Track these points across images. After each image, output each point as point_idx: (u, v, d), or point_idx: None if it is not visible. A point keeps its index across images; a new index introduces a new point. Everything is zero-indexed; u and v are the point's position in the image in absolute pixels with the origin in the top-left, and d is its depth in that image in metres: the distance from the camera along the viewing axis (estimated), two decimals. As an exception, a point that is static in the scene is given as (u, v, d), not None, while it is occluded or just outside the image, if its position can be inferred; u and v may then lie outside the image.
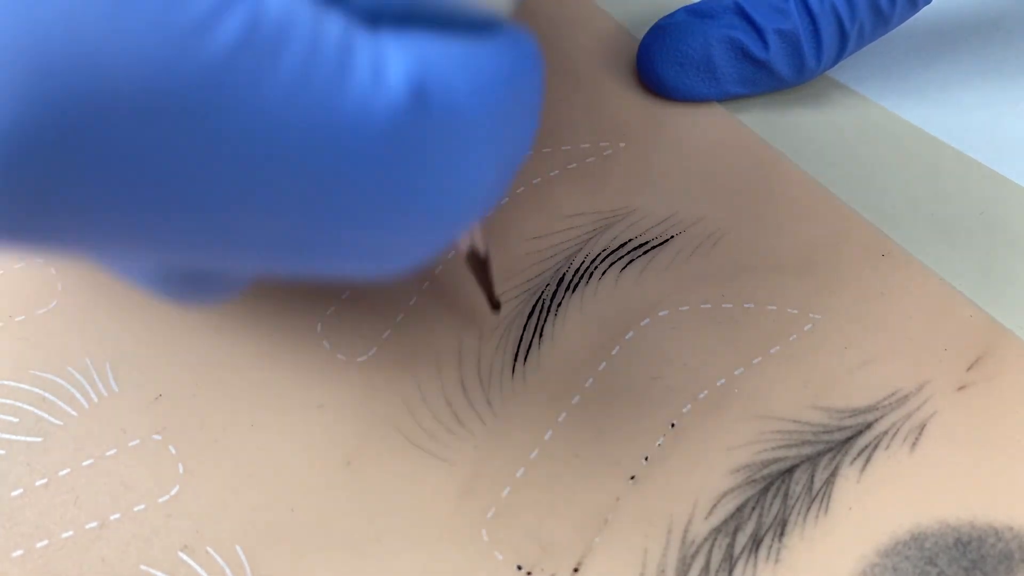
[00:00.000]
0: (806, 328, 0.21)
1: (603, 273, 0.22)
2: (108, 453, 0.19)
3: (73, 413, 0.19)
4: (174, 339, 0.21)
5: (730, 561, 0.17)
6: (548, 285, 0.22)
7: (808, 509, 0.18)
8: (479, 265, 0.19)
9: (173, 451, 0.19)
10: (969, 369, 0.20)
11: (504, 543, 0.18)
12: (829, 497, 0.18)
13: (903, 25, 0.25)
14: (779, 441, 0.19)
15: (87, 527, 0.18)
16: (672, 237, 0.23)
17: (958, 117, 0.26)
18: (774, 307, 0.21)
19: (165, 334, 0.21)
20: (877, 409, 0.19)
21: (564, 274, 0.22)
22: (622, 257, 0.22)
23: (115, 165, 0.08)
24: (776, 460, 0.19)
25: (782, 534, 0.18)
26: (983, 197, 0.24)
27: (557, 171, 0.24)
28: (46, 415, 0.19)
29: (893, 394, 0.20)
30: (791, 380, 0.20)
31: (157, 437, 0.19)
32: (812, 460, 0.19)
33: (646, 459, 0.19)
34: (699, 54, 0.25)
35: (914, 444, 0.19)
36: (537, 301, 0.21)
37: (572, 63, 0.27)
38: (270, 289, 0.22)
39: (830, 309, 0.21)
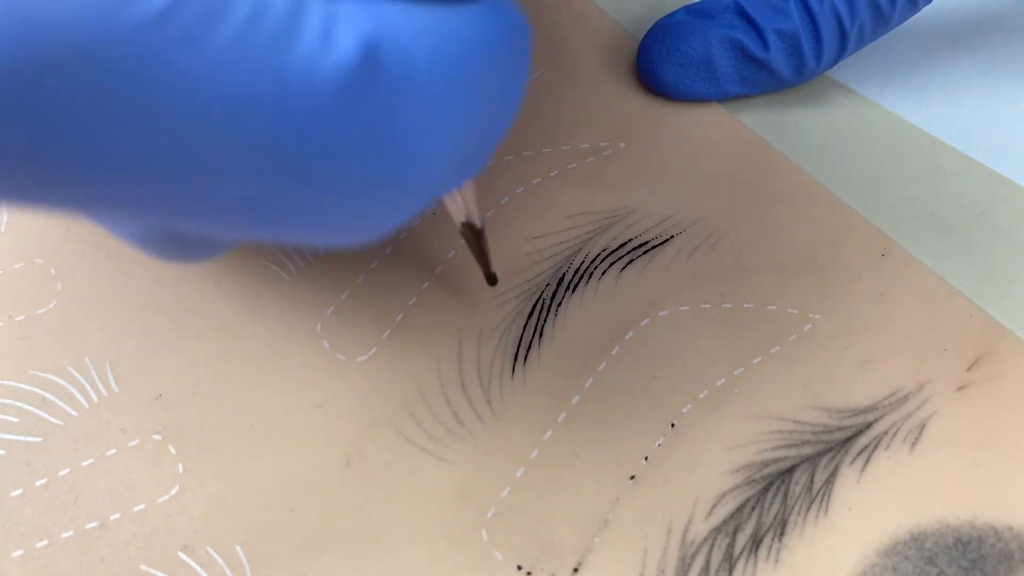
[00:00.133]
0: (806, 328, 0.21)
1: (603, 273, 0.22)
2: (108, 453, 0.19)
3: (73, 413, 0.19)
4: (174, 339, 0.21)
5: (730, 561, 0.17)
6: (548, 285, 0.22)
7: (808, 509, 0.18)
8: (474, 237, 0.19)
9: (173, 451, 0.19)
10: (969, 369, 0.20)
11: (504, 543, 0.18)
12: (829, 497, 0.18)
13: (903, 25, 0.25)
14: (779, 441, 0.19)
15: (87, 527, 0.18)
16: (672, 237, 0.23)
17: (958, 117, 0.26)
18: (774, 307, 0.21)
19: (165, 334, 0.21)
20: (877, 409, 0.19)
21: (564, 274, 0.22)
22: (622, 257, 0.22)
23: (59, 118, 0.08)
24: (776, 460, 0.19)
25: (782, 534, 0.18)
26: (983, 197, 0.24)
27: (557, 171, 0.24)
28: (46, 415, 0.19)
29: (893, 394, 0.20)
30: (791, 380, 0.20)
31: (157, 437, 0.19)
32: (812, 460, 0.19)
33: (646, 459, 0.19)
34: (699, 54, 0.25)
35: (914, 444, 0.19)
36: (537, 301, 0.21)
37: (572, 63, 0.27)
38: (270, 289, 0.22)
39: (830, 309, 0.21)
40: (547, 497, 0.18)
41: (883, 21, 0.24)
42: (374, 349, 0.21)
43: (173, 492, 0.18)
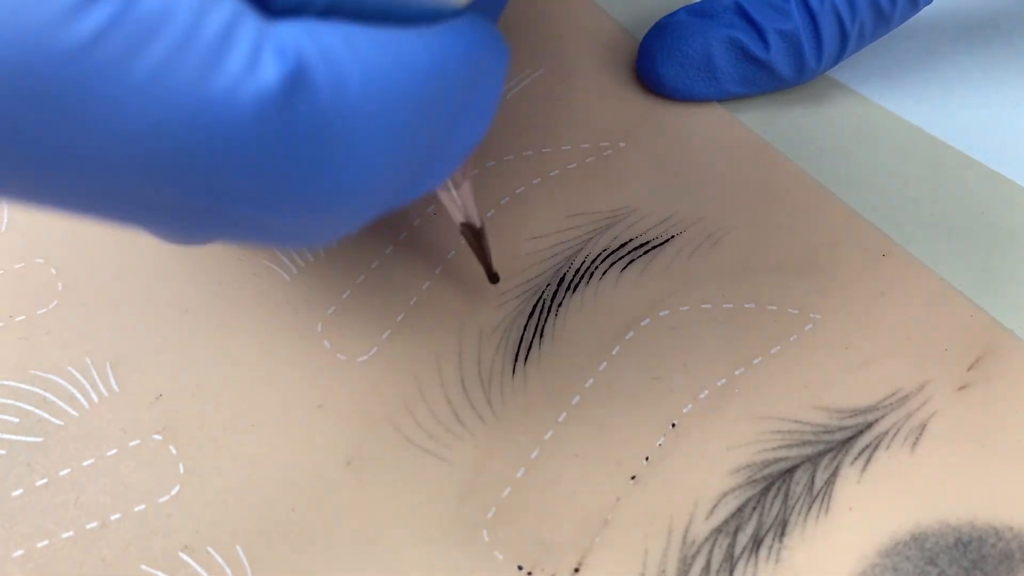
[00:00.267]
0: (807, 328, 0.21)
1: (603, 273, 0.22)
2: (109, 453, 0.19)
3: (74, 413, 0.19)
4: (174, 339, 0.21)
5: (731, 561, 0.17)
6: (548, 285, 0.22)
7: (809, 509, 0.18)
8: (474, 236, 0.19)
9: (173, 451, 0.19)
10: (970, 369, 0.20)
11: (505, 543, 0.18)
12: (830, 497, 0.18)
13: (904, 25, 0.25)
14: (780, 441, 0.19)
15: (88, 527, 0.18)
16: (672, 237, 0.23)
17: (958, 117, 0.26)
18: (774, 307, 0.21)
19: (165, 334, 0.21)
20: (878, 409, 0.19)
21: (565, 274, 0.22)
22: (622, 257, 0.22)
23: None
24: (777, 460, 0.19)
25: (783, 534, 0.18)
26: (983, 197, 0.24)
27: (557, 171, 0.24)
28: (47, 415, 0.19)
29: (894, 394, 0.20)
30: (792, 380, 0.20)
31: (157, 437, 0.19)
32: (813, 460, 0.19)
33: (647, 459, 0.19)
34: (699, 54, 0.25)
35: (915, 444, 0.19)
36: (538, 301, 0.21)
37: (572, 63, 0.27)
38: (271, 289, 0.22)
39: (831, 309, 0.21)
40: (548, 497, 0.18)
41: (884, 21, 0.24)
42: (375, 349, 0.21)
43: (174, 492, 0.18)
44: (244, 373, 0.20)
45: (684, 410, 0.20)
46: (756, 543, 0.18)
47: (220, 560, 0.17)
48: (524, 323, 0.21)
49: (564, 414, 0.20)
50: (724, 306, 0.21)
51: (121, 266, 0.22)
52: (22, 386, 0.20)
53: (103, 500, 0.18)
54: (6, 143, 0.09)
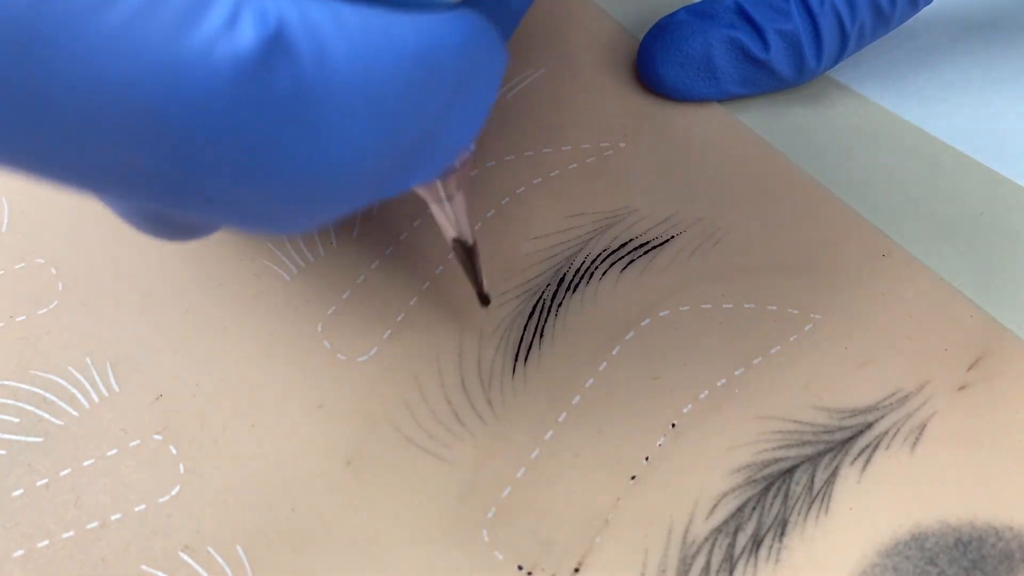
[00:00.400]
0: (806, 328, 0.21)
1: (603, 273, 0.22)
2: (109, 453, 0.19)
3: (74, 413, 0.19)
4: (175, 339, 0.21)
5: (731, 561, 0.17)
6: (549, 285, 0.22)
7: (809, 509, 0.18)
8: (466, 254, 0.19)
9: (174, 451, 0.19)
10: (969, 369, 0.20)
11: (505, 543, 0.18)
12: (830, 497, 0.18)
13: (903, 25, 0.25)
14: (779, 441, 0.19)
15: (88, 527, 0.18)
16: (672, 237, 0.23)
17: (958, 117, 0.26)
18: (774, 307, 0.21)
19: (166, 334, 0.21)
20: (877, 409, 0.19)
21: (565, 274, 0.22)
22: (623, 257, 0.22)
23: None
24: (776, 460, 0.19)
25: (783, 534, 0.18)
26: (983, 197, 0.24)
27: (557, 171, 0.24)
28: (47, 415, 0.19)
29: (893, 394, 0.20)
30: (792, 380, 0.20)
31: (158, 437, 0.19)
32: (812, 460, 0.19)
33: (647, 459, 0.19)
34: (699, 54, 0.25)
35: (914, 444, 0.19)
36: (538, 301, 0.21)
37: (572, 63, 0.27)
38: (271, 289, 0.22)
39: (830, 309, 0.21)
40: (548, 497, 0.18)
41: (884, 21, 0.24)
42: (375, 349, 0.21)
43: (174, 492, 0.18)
44: (244, 373, 0.20)
45: (684, 410, 0.20)
46: (756, 543, 0.18)
47: (220, 560, 0.17)
48: (524, 323, 0.21)
49: (564, 414, 0.20)
50: (724, 306, 0.21)
51: (121, 266, 0.22)
52: (22, 386, 0.20)
53: (103, 500, 0.18)
54: None
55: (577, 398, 0.20)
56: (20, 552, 0.18)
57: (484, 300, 0.20)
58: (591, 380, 0.20)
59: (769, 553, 0.18)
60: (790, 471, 0.19)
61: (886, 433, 0.19)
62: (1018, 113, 0.26)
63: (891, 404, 0.20)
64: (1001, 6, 0.29)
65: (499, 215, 0.23)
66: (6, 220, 0.23)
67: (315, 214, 0.11)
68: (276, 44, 0.09)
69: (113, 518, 0.18)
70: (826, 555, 0.17)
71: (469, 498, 0.18)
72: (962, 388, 0.20)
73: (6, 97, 0.09)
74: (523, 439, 0.19)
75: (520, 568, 0.17)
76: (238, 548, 0.18)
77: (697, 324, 0.21)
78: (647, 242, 0.23)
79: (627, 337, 0.21)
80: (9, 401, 0.20)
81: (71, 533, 0.18)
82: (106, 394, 0.20)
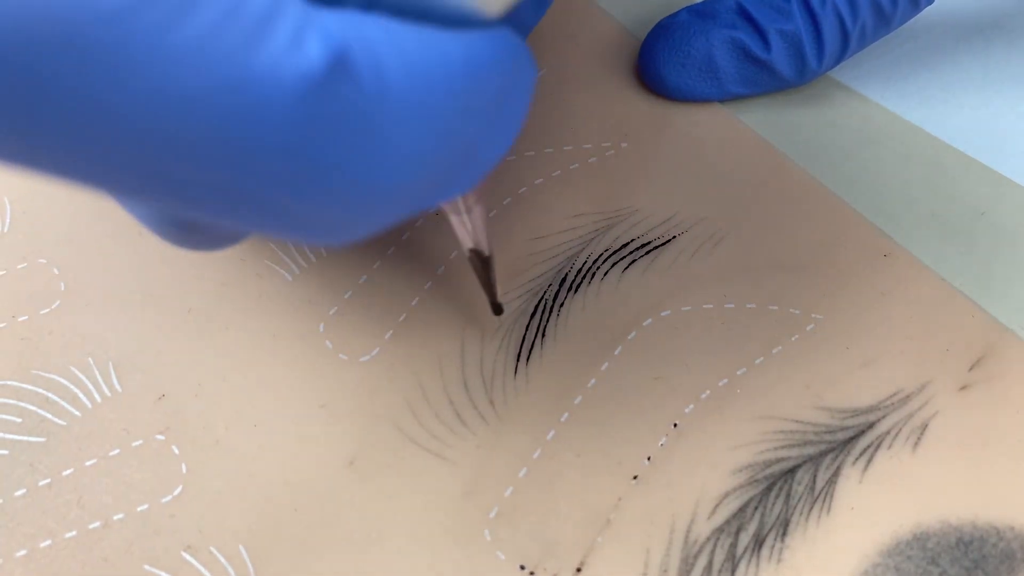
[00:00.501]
0: (808, 328, 0.21)
1: (605, 273, 0.22)
2: (111, 453, 0.19)
3: (76, 413, 0.19)
4: (177, 339, 0.21)
5: (733, 561, 0.17)
6: (551, 285, 0.22)
7: (810, 509, 0.18)
8: (482, 264, 0.19)
9: (176, 451, 0.19)
10: (971, 369, 0.20)
11: (507, 543, 0.18)
12: (831, 497, 0.18)
13: (904, 26, 0.25)
14: (781, 441, 0.19)
15: (90, 527, 0.18)
16: (674, 237, 0.23)
17: (959, 117, 0.26)
18: (776, 307, 0.21)
19: (168, 334, 0.21)
20: (879, 409, 0.19)
21: (566, 274, 0.22)
22: (624, 257, 0.22)
23: (30, 89, 0.08)
24: (778, 460, 0.19)
25: (784, 534, 0.18)
26: (984, 197, 0.24)
27: (559, 171, 0.24)
28: (49, 415, 0.19)
29: (895, 394, 0.20)
30: (793, 380, 0.20)
31: (160, 437, 0.19)
32: (814, 460, 0.19)
33: (649, 459, 0.19)
34: (701, 54, 0.25)
35: (916, 444, 0.19)
36: (540, 301, 0.21)
37: (574, 63, 0.27)
38: (273, 289, 0.22)
39: (832, 309, 0.21)
40: (550, 497, 0.18)
41: (885, 22, 0.24)
42: (377, 349, 0.21)
43: (176, 492, 0.18)
44: (247, 373, 0.20)
45: (686, 410, 0.20)
46: (758, 543, 0.18)
47: (223, 560, 0.17)
48: (526, 323, 0.21)
49: (566, 414, 0.20)
50: (726, 306, 0.21)
51: (123, 267, 0.22)
52: (25, 386, 0.20)
53: (106, 500, 0.18)
54: (49, 97, 0.09)
55: (579, 398, 0.20)
56: (23, 552, 0.18)
57: (497, 309, 0.21)
58: (593, 380, 0.20)
59: (771, 553, 0.18)
60: (792, 471, 0.19)
61: (888, 433, 0.19)
62: (1018, 113, 0.26)
63: (893, 404, 0.20)
64: (1001, 6, 0.29)
65: (501, 215, 0.23)
66: (8, 220, 0.23)
67: (362, 225, 0.11)
68: (339, 62, 0.10)
69: (115, 518, 0.18)
70: (828, 555, 0.17)
71: (471, 498, 0.18)
72: (963, 388, 0.20)
73: (77, 108, 0.09)
74: (525, 439, 0.19)
75: (522, 568, 0.17)
76: (240, 548, 0.18)
77: (699, 324, 0.21)
78: (649, 242, 0.23)
79: (629, 337, 0.21)
80: (11, 401, 0.20)
81: (73, 533, 0.18)
82: (108, 394, 0.20)
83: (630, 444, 0.19)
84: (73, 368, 0.20)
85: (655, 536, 0.18)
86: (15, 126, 0.09)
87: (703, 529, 0.18)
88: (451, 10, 0.11)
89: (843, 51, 0.24)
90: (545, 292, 0.22)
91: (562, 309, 0.21)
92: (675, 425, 0.19)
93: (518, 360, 0.20)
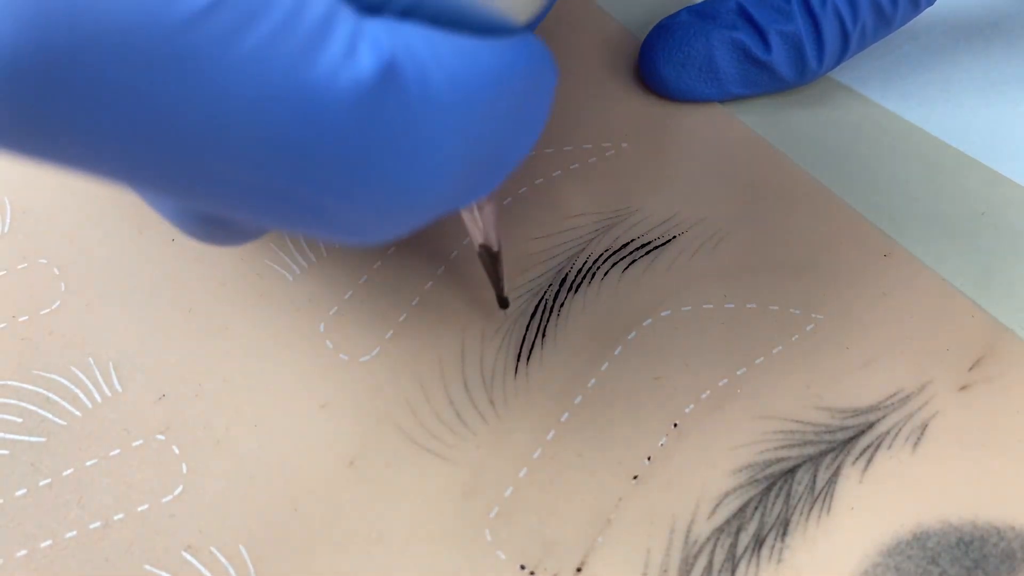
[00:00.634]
0: (808, 328, 0.21)
1: (605, 273, 0.22)
2: (112, 453, 0.19)
3: (77, 413, 0.20)
4: (177, 339, 0.21)
5: (733, 561, 0.17)
6: (551, 285, 0.22)
7: (810, 509, 0.18)
8: (491, 260, 0.19)
9: (176, 451, 0.19)
10: (971, 369, 0.20)
11: (507, 542, 0.18)
12: (831, 497, 0.18)
13: (905, 26, 0.26)
14: (781, 441, 0.19)
15: (91, 527, 0.18)
16: (674, 237, 0.23)
17: (959, 117, 0.26)
18: (776, 307, 0.21)
19: (168, 334, 0.21)
20: (879, 409, 0.20)
21: (567, 274, 0.22)
22: (624, 257, 0.22)
23: (98, 93, 0.09)
24: (778, 460, 0.19)
25: (784, 534, 0.18)
26: (984, 197, 0.24)
27: (559, 171, 0.24)
28: (50, 415, 0.19)
29: (895, 394, 0.20)
30: (793, 380, 0.20)
31: (160, 437, 0.19)
32: (814, 460, 0.19)
33: (649, 459, 0.19)
34: (701, 55, 0.25)
35: (916, 444, 0.19)
36: (540, 301, 0.21)
37: (574, 63, 0.27)
38: (273, 289, 0.22)
39: (832, 309, 0.21)
40: (550, 497, 0.18)
41: (885, 22, 0.24)
42: (377, 349, 0.21)
43: (177, 492, 0.18)
44: (247, 373, 0.20)
45: (686, 410, 0.20)
46: (758, 543, 0.18)
47: (223, 560, 0.18)
48: (527, 323, 0.21)
49: (567, 414, 0.20)
50: (726, 306, 0.21)
51: (124, 266, 0.22)
52: (25, 386, 0.20)
53: (106, 500, 0.18)
54: (115, 104, 0.09)
55: (579, 398, 0.20)
56: (23, 552, 0.18)
57: (503, 303, 0.21)
58: (593, 380, 0.20)
59: (771, 553, 0.18)
60: (792, 471, 0.19)
61: (888, 433, 0.19)
62: (1018, 113, 0.26)
63: (893, 404, 0.20)
64: (1002, 7, 0.29)
65: (502, 215, 0.23)
66: (8, 220, 0.23)
67: (394, 226, 0.12)
68: (389, 71, 0.10)
69: (116, 518, 0.18)
70: (828, 555, 0.17)
71: (472, 498, 0.18)
72: (964, 388, 0.20)
73: (141, 115, 0.09)
74: (525, 439, 0.19)
75: (522, 568, 0.17)
76: (241, 548, 0.18)
77: (699, 324, 0.21)
78: (649, 242, 0.23)
79: (629, 337, 0.21)
80: (12, 401, 0.20)
81: (74, 533, 0.18)
82: (109, 394, 0.20)
83: (630, 444, 0.19)
84: (73, 368, 0.20)
85: (655, 536, 0.18)
86: (79, 130, 0.09)
87: (703, 529, 0.18)
88: (483, 18, 0.12)
89: (843, 52, 0.24)
90: (545, 292, 0.22)
91: (562, 309, 0.21)
92: (675, 425, 0.19)
93: (518, 360, 0.20)
